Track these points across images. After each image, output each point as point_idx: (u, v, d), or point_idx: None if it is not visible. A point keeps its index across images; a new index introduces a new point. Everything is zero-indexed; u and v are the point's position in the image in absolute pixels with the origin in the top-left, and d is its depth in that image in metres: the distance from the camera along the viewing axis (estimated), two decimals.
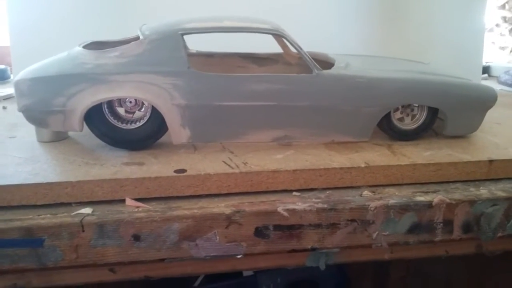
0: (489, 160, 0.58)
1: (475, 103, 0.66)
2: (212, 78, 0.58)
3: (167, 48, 0.57)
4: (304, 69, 0.62)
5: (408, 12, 1.01)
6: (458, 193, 0.55)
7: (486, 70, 1.26)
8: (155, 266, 0.52)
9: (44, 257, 0.47)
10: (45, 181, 0.50)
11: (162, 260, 0.49)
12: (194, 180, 0.52)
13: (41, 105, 0.57)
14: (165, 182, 0.52)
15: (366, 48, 0.91)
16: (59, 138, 0.63)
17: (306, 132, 0.62)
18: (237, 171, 0.53)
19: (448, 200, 0.53)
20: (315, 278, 1.06)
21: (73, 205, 0.50)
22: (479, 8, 1.05)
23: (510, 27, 1.52)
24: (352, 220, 0.52)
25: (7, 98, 0.93)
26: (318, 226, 0.51)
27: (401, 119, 0.65)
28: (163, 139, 0.61)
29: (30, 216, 0.47)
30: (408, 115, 0.65)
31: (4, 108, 0.85)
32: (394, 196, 0.54)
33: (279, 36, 0.63)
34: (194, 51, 0.74)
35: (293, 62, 0.76)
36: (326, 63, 0.67)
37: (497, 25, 1.55)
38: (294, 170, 0.54)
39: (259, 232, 0.50)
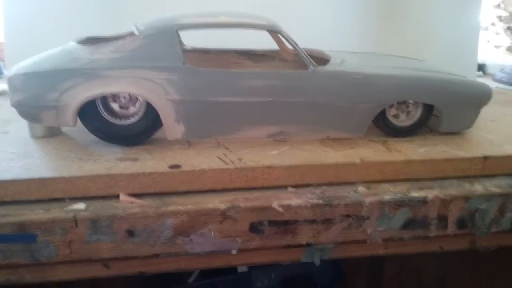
0: (484, 156, 0.59)
1: (470, 100, 0.66)
2: (207, 73, 0.58)
3: (162, 44, 0.57)
4: (299, 66, 0.62)
5: (404, 10, 1.01)
6: (453, 189, 0.55)
7: (481, 68, 1.26)
8: (149, 262, 0.52)
9: (37, 252, 0.46)
10: (38, 177, 0.49)
11: (157, 255, 0.49)
12: (188, 175, 0.52)
13: (35, 100, 0.56)
14: (159, 177, 0.51)
15: (361, 45, 0.91)
16: (52, 133, 0.63)
17: (301, 128, 0.62)
18: (232, 167, 0.53)
19: (442, 196, 0.54)
20: (310, 274, 1.06)
21: (66, 200, 0.50)
22: (474, 6, 1.05)
23: (505, 26, 1.53)
24: (347, 216, 0.52)
25: (0, 94, 0.92)
26: (313, 221, 0.51)
27: (396, 116, 0.65)
28: (158, 134, 0.61)
29: (23, 212, 0.47)
30: (403, 111, 0.65)
31: None
32: (389, 192, 0.54)
33: (275, 32, 0.63)
34: (190, 47, 0.74)
35: (289, 59, 0.76)
36: (321, 59, 0.67)
37: (492, 24, 1.56)
38: (289, 166, 0.54)
39: (254, 228, 0.50)
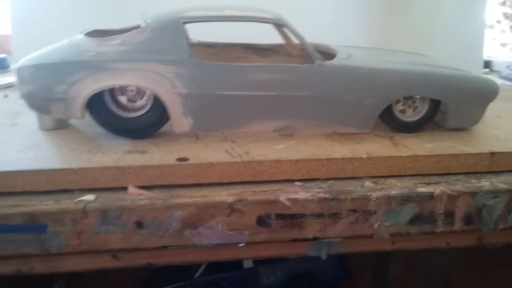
0: (491, 152, 0.59)
1: (477, 96, 0.66)
2: (214, 67, 0.58)
3: (169, 37, 0.57)
4: (305, 61, 0.62)
5: (410, 5, 1.01)
6: (460, 185, 0.55)
7: (487, 64, 1.26)
8: (158, 254, 0.52)
9: (48, 242, 0.47)
10: (47, 168, 0.50)
11: (165, 247, 0.50)
12: (196, 168, 0.52)
13: (43, 92, 0.57)
14: (167, 170, 0.52)
15: (367, 40, 0.91)
16: (60, 126, 0.63)
17: (308, 123, 0.62)
18: (239, 160, 0.53)
19: (449, 192, 0.53)
20: (316, 271, 1.07)
21: (75, 192, 0.50)
22: (480, 2, 1.04)
23: (511, 24, 1.52)
24: (354, 210, 0.52)
25: (8, 86, 0.93)
26: (320, 215, 0.52)
27: (402, 111, 0.65)
28: (165, 128, 0.61)
29: (33, 202, 0.47)
30: (409, 107, 0.65)
31: (5, 96, 0.85)
32: (396, 187, 0.54)
33: (281, 25, 0.63)
34: (196, 41, 0.74)
35: (295, 53, 0.76)
36: (327, 54, 0.67)
37: (498, 21, 1.55)
38: (296, 160, 0.54)
39: (261, 221, 0.51)
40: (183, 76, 0.57)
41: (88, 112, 0.58)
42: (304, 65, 0.61)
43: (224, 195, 0.50)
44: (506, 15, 1.54)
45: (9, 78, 0.98)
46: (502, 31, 1.53)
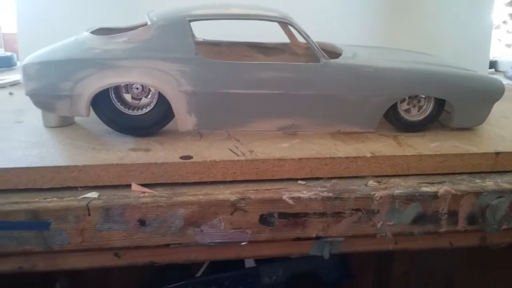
0: (496, 152, 0.58)
1: (482, 95, 0.65)
2: (219, 65, 0.58)
3: (175, 35, 0.57)
4: (311, 59, 0.61)
5: (416, 5, 1.00)
6: (464, 184, 0.55)
7: (493, 65, 1.25)
8: (160, 252, 0.52)
9: (50, 240, 0.47)
10: (51, 165, 0.50)
11: (167, 245, 0.50)
12: (199, 166, 0.52)
13: (49, 89, 0.57)
14: (171, 168, 0.52)
15: (373, 40, 0.91)
16: (65, 123, 0.64)
17: (312, 122, 0.62)
18: (242, 158, 0.53)
19: (453, 191, 0.53)
20: (318, 271, 1.06)
21: (79, 189, 0.50)
22: (487, 2, 1.04)
23: None
24: (357, 210, 0.52)
25: (14, 84, 0.94)
26: (323, 214, 0.51)
27: (407, 110, 0.65)
28: (169, 126, 0.61)
29: (37, 199, 0.48)
30: (414, 106, 0.65)
31: (10, 94, 0.85)
32: (400, 186, 0.54)
33: (286, 24, 0.63)
34: (201, 40, 0.74)
35: (300, 52, 0.76)
36: (333, 53, 0.67)
37: (504, 22, 1.54)
38: (300, 159, 0.54)
39: (264, 220, 0.51)
40: (188, 74, 0.57)
41: (93, 110, 0.59)
42: (310, 63, 0.60)
43: (227, 194, 0.50)
44: None
45: (15, 76, 0.98)
46: (508, 31, 1.52)
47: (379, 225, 0.53)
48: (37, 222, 0.46)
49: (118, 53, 0.56)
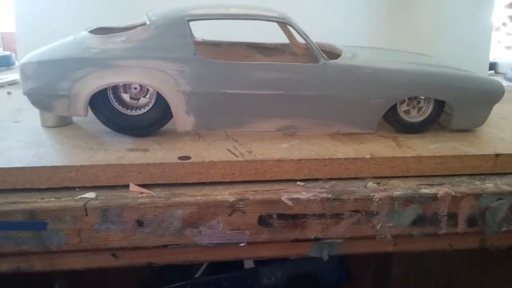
0: (495, 154, 0.58)
1: (482, 97, 0.65)
2: (218, 65, 0.58)
3: (174, 34, 0.57)
4: (310, 60, 0.61)
5: (416, 6, 1.00)
6: (464, 186, 0.55)
7: (493, 66, 1.25)
8: (158, 252, 0.52)
9: (47, 240, 0.47)
10: (49, 165, 0.49)
11: (165, 246, 0.49)
12: (198, 167, 0.52)
13: (46, 89, 0.57)
14: (169, 168, 0.51)
15: (372, 41, 0.90)
16: (63, 123, 0.63)
17: (311, 122, 0.62)
18: (241, 159, 0.53)
19: (453, 193, 0.53)
20: (316, 272, 1.06)
21: (76, 189, 0.50)
22: (487, 3, 1.04)
23: None
24: (356, 211, 0.52)
25: (12, 83, 0.93)
26: (322, 216, 0.51)
27: (407, 112, 0.65)
28: (168, 126, 0.61)
29: (34, 199, 0.47)
30: (414, 107, 0.65)
31: (8, 93, 0.85)
32: (399, 188, 0.53)
33: (286, 24, 0.63)
34: (200, 40, 0.74)
35: (299, 53, 0.76)
36: (332, 54, 0.67)
37: (504, 24, 1.54)
38: (299, 160, 0.54)
39: (263, 221, 0.50)
40: (187, 74, 0.57)
41: (91, 110, 0.58)
42: (309, 64, 0.60)
43: (226, 194, 0.50)
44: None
45: (13, 75, 0.98)
46: (508, 33, 1.52)
47: (378, 226, 0.53)
48: (34, 222, 0.46)
49: (116, 52, 0.56)
